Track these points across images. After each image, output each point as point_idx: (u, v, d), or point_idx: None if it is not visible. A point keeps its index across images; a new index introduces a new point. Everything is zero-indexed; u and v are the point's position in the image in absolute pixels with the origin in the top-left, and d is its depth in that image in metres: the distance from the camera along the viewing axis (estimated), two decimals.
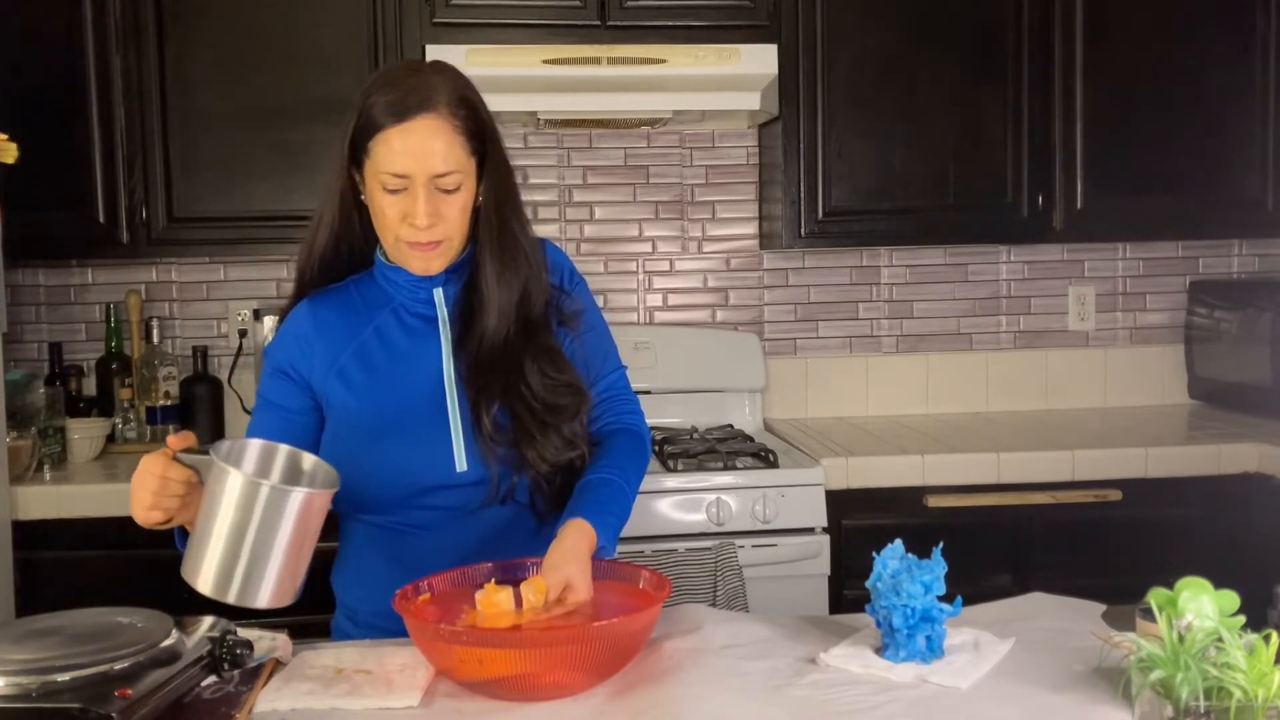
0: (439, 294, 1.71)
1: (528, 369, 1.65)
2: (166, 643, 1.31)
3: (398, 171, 1.57)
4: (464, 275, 1.70)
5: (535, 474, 1.66)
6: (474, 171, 1.63)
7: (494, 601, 1.44)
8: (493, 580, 1.49)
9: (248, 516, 1.34)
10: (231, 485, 1.35)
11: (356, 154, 1.62)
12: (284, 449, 1.49)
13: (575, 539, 1.53)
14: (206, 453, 1.39)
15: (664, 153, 3.34)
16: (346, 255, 1.72)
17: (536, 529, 1.69)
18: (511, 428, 1.64)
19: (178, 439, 1.44)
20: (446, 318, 1.70)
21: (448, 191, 1.60)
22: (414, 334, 1.70)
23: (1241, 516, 2.80)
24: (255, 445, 1.48)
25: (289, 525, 1.36)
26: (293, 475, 1.48)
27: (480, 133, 1.63)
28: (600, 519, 1.57)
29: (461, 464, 1.65)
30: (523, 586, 1.46)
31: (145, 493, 1.41)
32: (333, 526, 1.77)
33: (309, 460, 1.49)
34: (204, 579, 1.36)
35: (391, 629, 1.56)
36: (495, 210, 1.66)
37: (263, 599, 1.37)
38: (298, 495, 1.36)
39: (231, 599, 1.36)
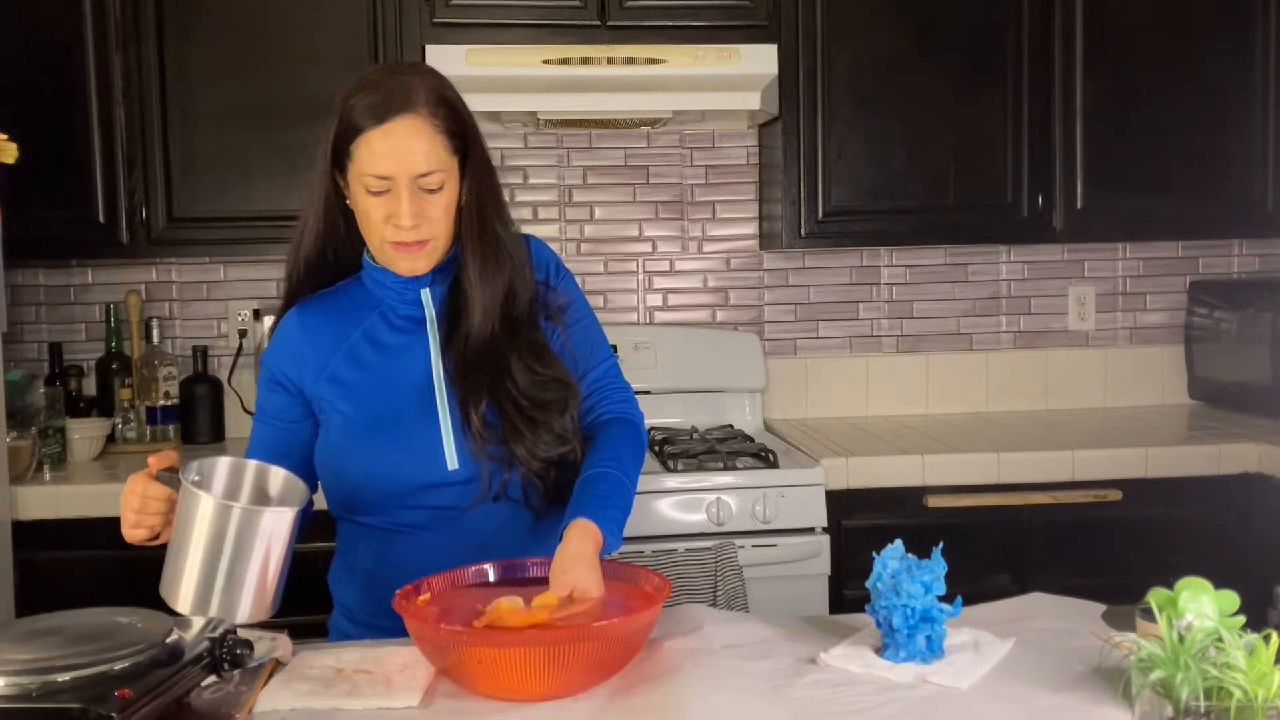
0: (426, 294, 1.71)
1: (514, 366, 1.66)
2: (166, 643, 1.31)
3: (380, 173, 1.58)
4: (450, 275, 1.71)
5: (527, 470, 1.66)
6: (456, 170, 1.64)
7: (513, 615, 1.44)
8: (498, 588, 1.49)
9: (220, 538, 1.39)
10: (203, 509, 1.39)
11: (339, 158, 1.62)
12: (252, 465, 1.55)
13: (580, 541, 1.52)
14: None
15: (664, 153, 3.34)
16: (333, 259, 1.73)
17: (533, 525, 1.69)
18: (500, 425, 1.64)
19: (158, 458, 1.48)
20: (434, 317, 1.71)
21: (431, 191, 1.61)
22: (402, 335, 1.71)
23: (1241, 516, 2.79)
24: (224, 464, 1.52)
25: (261, 544, 1.41)
26: (260, 491, 1.54)
27: (461, 131, 1.63)
28: (603, 514, 1.57)
29: (453, 463, 1.65)
30: (534, 602, 1.46)
31: (128, 511, 1.47)
32: (329, 527, 1.78)
33: (277, 475, 1.55)
34: (183, 600, 1.41)
35: (389, 627, 1.56)
36: (477, 209, 1.66)
37: (241, 615, 1.42)
38: (268, 516, 1.41)
39: (211, 616, 1.41)
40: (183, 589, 1.40)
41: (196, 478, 1.45)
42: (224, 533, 1.39)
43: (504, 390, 1.65)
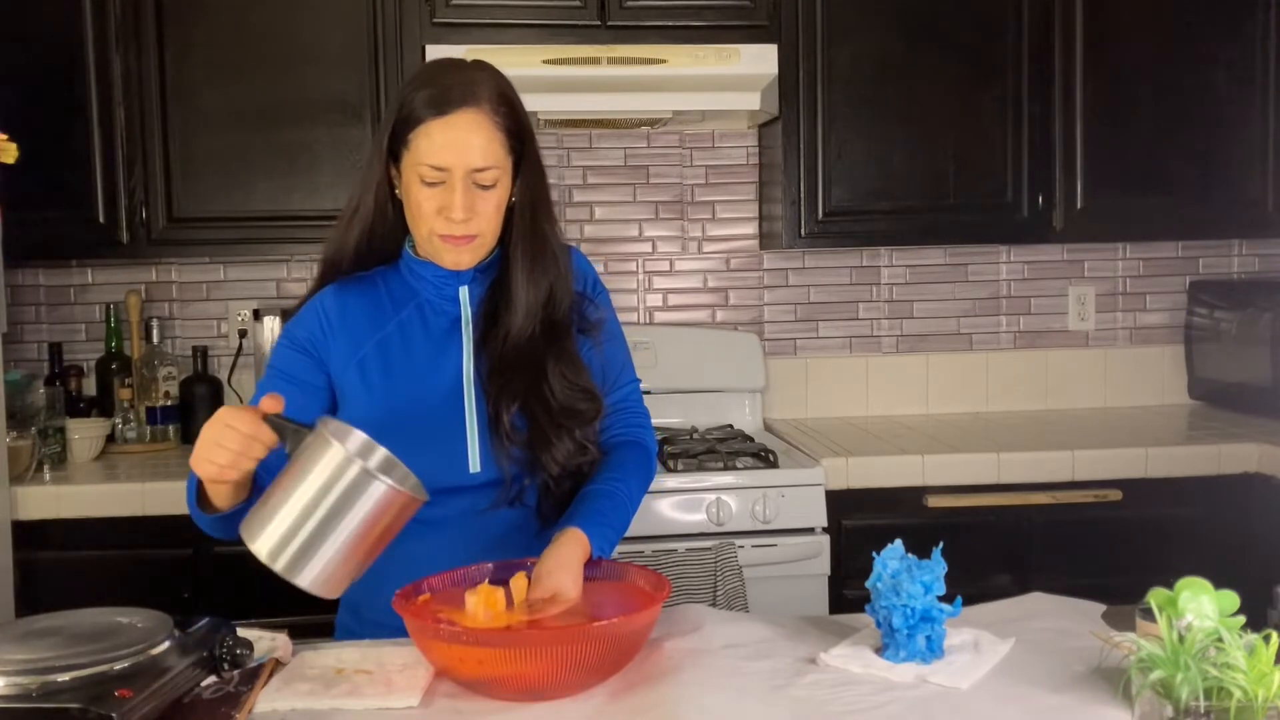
0: (464, 292, 1.72)
1: (550, 371, 1.67)
2: (167, 643, 1.31)
3: (437, 164, 1.59)
4: (490, 276, 1.72)
5: (546, 476, 1.67)
6: (510, 170, 1.65)
7: (492, 601, 1.45)
8: (486, 581, 1.49)
9: (327, 491, 1.32)
10: (327, 457, 1.32)
11: (395, 147, 1.63)
12: (382, 451, 1.45)
13: (570, 549, 1.53)
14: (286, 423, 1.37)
15: (664, 153, 3.34)
16: (379, 248, 1.73)
17: (539, 532, 1.69)
18: (528, 429, 1.65)
19: (272, 400, 1.39)
20: (470, 317, 1.71)
21: (484, 187, 1.62)
22: (435, 335, 1.71)
23: (1241, 516, 2.79)
24: (358, 436, 1.44)
25: (361, 513, 1.33)
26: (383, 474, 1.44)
27: (519, 132, 1.65)
28: (597, 529, 1.58)
29: (475, 465, 1.66)
30: (511, 582, 1.48)
31: (225, 449, 1.35)
32: None
33: (403, 469, 1.46)
34: (262, 542, 1.32)
35: (395, 625, 1.56)
36: (529, 210, 1.68)
37: (306, 577, 1.33)
38: (380, 486, 1.33)
39: (279, 568, 1.33)
40: (267, 532, 1.32)
41: (328, 431, 1.36)
42: (333, 487, 1.31)
43: (538, 394, 1.66)
